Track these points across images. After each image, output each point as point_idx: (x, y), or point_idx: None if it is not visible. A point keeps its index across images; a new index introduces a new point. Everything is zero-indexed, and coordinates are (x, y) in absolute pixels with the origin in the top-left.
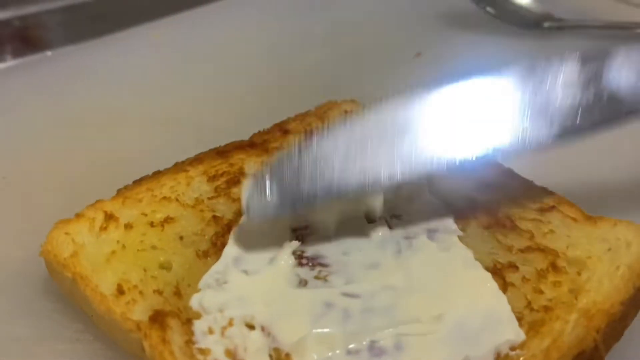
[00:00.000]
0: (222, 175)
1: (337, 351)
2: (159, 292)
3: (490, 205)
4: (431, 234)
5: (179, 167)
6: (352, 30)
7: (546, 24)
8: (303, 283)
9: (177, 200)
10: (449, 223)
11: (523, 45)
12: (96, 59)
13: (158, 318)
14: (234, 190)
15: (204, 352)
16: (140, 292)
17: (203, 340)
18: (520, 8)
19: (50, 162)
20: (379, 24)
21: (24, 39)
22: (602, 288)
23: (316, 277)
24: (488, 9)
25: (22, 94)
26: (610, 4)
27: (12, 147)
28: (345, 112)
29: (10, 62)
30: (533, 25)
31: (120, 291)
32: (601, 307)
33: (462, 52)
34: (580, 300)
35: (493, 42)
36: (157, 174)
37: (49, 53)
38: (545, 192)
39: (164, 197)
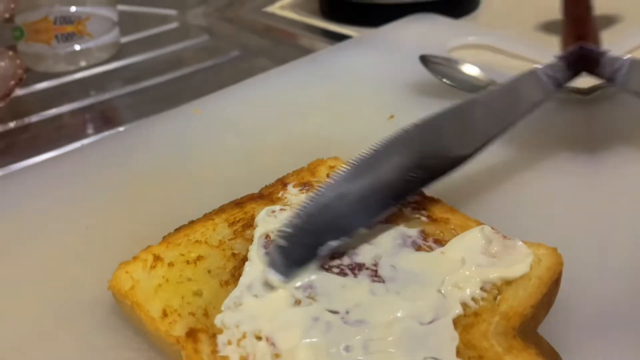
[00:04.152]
0: (239, 221)
1: (322, 355)
2: (193, 314)
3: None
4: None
5: (207, 216)
6: (342, 98)
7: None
8: (298, 302)
9: (206, 242)
10: (409, 253)
11: None
12: (152, 133)
13: (192, 334)
14: (247, 232)
15: (224, 359)
16: (179, 315)
17: (224, 350)
18: (469, 77)
19: (118, 215)
20: (360, 92)
21: (103, 119)
22: (518, 296)
23: (308, 297)
24: (444, 80)
25: (101, 162)
26: None
27: (95, 204)
28: (331, 167)
29: (92, 138)
30: (481, 90)
31: (164, 314)
32: (517, 310)
33: (426, 112)
34: (502, 306)
35: (450, 103)
36: (192, 222)
37: (121, 129)
38: (467, 219)
39: (197, 241)
